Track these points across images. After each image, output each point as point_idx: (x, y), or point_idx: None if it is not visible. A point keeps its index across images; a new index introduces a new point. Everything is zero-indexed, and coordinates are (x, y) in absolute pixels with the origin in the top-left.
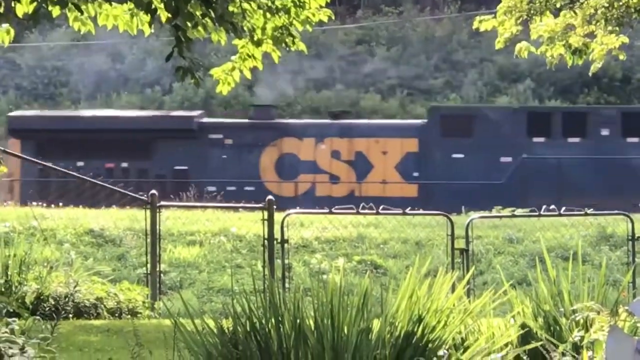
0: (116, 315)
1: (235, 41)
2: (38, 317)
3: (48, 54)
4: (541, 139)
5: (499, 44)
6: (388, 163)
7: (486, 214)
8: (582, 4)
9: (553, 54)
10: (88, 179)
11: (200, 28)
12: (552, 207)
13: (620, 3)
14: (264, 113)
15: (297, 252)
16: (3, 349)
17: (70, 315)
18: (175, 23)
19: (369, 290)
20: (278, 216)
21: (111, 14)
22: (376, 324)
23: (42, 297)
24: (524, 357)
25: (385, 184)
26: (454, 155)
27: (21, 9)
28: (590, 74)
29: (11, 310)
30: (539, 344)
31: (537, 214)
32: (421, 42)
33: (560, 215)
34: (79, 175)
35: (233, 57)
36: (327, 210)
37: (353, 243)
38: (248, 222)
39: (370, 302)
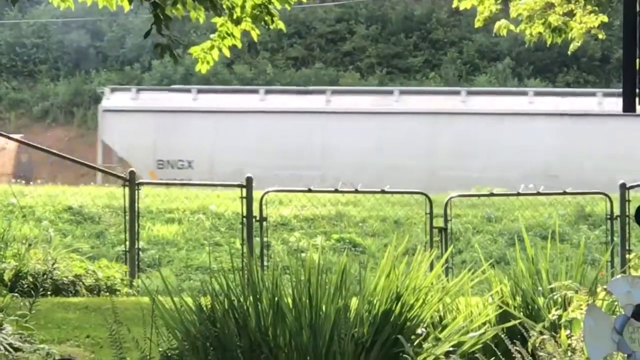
0: (94, 292)
1: (214, 19)
2: (16, 295)
3: (27, 31)
4: None
5: (478, 23)
6: None
7: (465, 192)
8: None
9: (532, 32)
10: (67, 156)
11: (179, 6)
12: (531, 186)
13: None
14: None
15: (275, 230)
16: None
17: (49, 293)
18: (154, 0)
19: (347, 269)
20: (257, 194)
21: None
22: (354, 302)
23: (20, 275)
24: (502, 336)
25: None
26: None
27: None
28: (569, 52)
29: None
30: (517, 322)
31: (516, 192)
32: (400, 20)
33: (539, 194)
34: (58, 153)
35: (212, 36)
36: (306, 189)
37: (332, 221)
38: (227, 200)
39: (348, 281)
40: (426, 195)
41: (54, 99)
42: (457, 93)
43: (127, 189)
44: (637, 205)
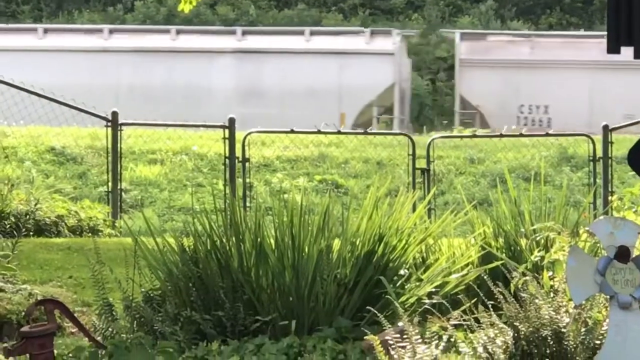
0: (77, 233)
1: None
2: None
3: None
4: None
5: None
6: None
7: (448, 134)
8: None
9: None
10: (48, 96)
11: None
12: (514, 127)
13: None
14: None
15: (258, 172)
16: None
17: (31, 233)
18: None
19: (330, 210)
20: (239, 135)
21: None
22: (337, 243)
23: (2, 215)
24: (485, 277)
25: None
26: None
27: None
28: None
29: None
30: (499, 263)
31: (498, 134)
32: None
33: (521, 135)
34: (38, 92)
35: None
36: (289, 129)
37: (314, 162)
38: (209, 141)
39: (331, 222)
40: (409, 137)
41: None
42: None
43: (109, 130)
44: (630, 147)
